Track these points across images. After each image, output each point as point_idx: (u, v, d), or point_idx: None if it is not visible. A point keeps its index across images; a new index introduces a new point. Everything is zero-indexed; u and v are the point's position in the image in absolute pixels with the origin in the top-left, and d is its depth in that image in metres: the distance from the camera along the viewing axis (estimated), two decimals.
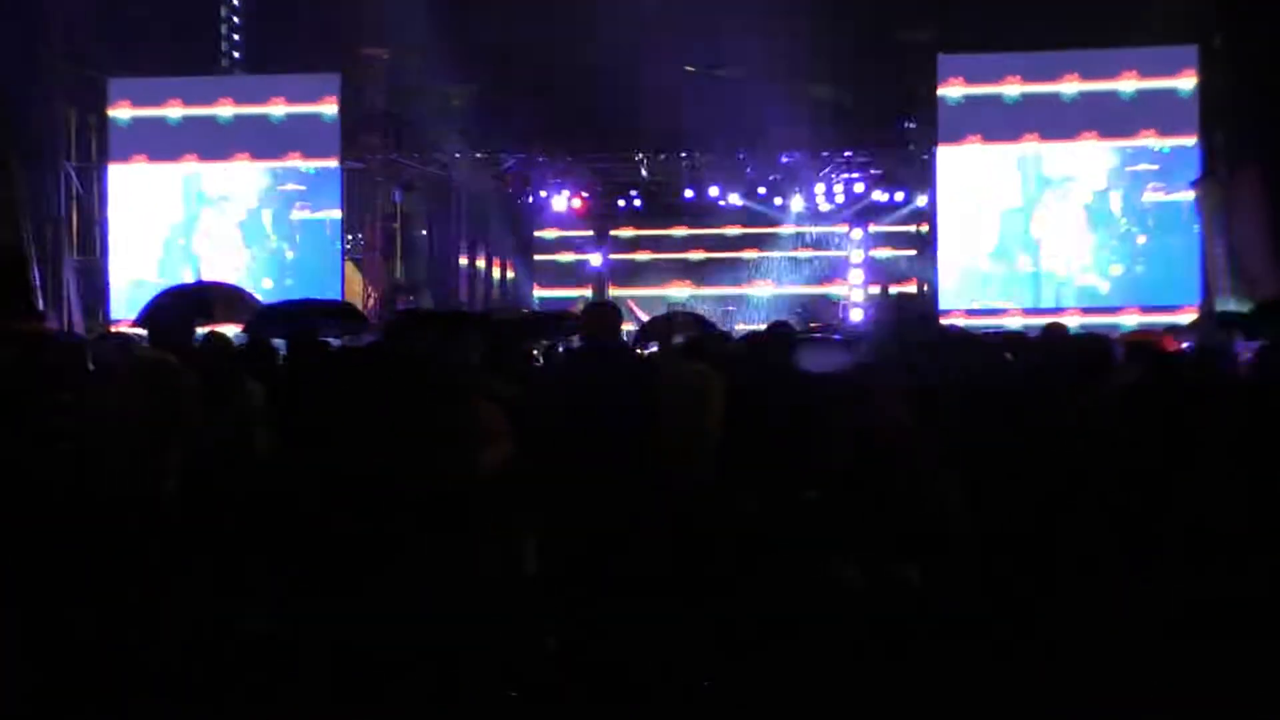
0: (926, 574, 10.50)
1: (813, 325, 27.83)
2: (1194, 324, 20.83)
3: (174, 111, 30.88)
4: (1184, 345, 15.49)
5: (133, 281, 30.08)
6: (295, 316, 15.03)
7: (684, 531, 9.92)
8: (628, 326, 20.48)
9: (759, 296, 38.57)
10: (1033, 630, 9.53)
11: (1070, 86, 28.81)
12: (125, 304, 29.16)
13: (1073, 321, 23.90)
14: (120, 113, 30.93)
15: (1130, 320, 26.76)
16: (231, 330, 14.29)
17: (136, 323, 19.42)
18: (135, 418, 9.36)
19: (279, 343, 13.10)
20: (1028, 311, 27.80)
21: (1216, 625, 9.46)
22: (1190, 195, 27.57)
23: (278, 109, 30.65)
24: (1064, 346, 12.36)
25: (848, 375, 12.35)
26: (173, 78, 30.84)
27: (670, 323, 20.23)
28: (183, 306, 17.76)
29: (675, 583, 9.55)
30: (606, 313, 10.05)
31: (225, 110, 30.82)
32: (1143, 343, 14.25)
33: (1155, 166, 28.47)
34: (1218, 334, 17.83)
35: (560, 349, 16.42)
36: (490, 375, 10.43)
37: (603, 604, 9.06)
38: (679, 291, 38.18)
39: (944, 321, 23.21)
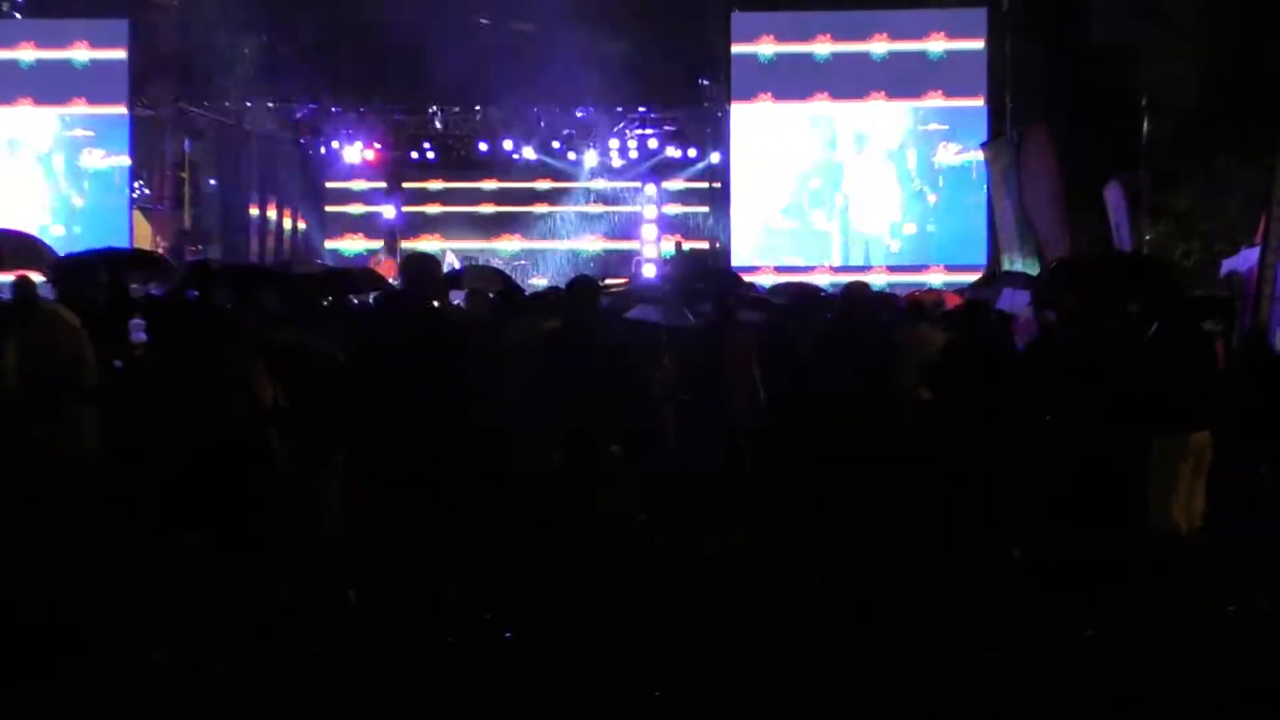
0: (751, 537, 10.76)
1: (608, 282, 27.93)
2: (977, 283, 21.19)
3: None
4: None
5: None
6: (102, 265, 14.70)
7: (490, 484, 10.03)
8: None
9: (553, 252, 38.49)
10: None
11: (859, 46, 29.21)
12: None
13: (873, 280, 24.39)
14: None
15: (926, 279, 27.27)
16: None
17: None
18: (48, 373, 9.10)
19: None
20: (835, 270, 28.25)
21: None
22: (980, 155, 28.05)
23: (26, 54, 30.00)
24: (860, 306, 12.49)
25: (651, 330, 12.52)
26: None
27: (472, 275, 20.22)
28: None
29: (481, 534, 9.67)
30: (427, 266, 10.04)
31: None
32: (921, 301, 14.57)
33: (945, 126, 28.96)
34: (984, 291, 18.24)
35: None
36: (301, 330, 10.42)
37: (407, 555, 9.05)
38: (471, 245, 37.97)
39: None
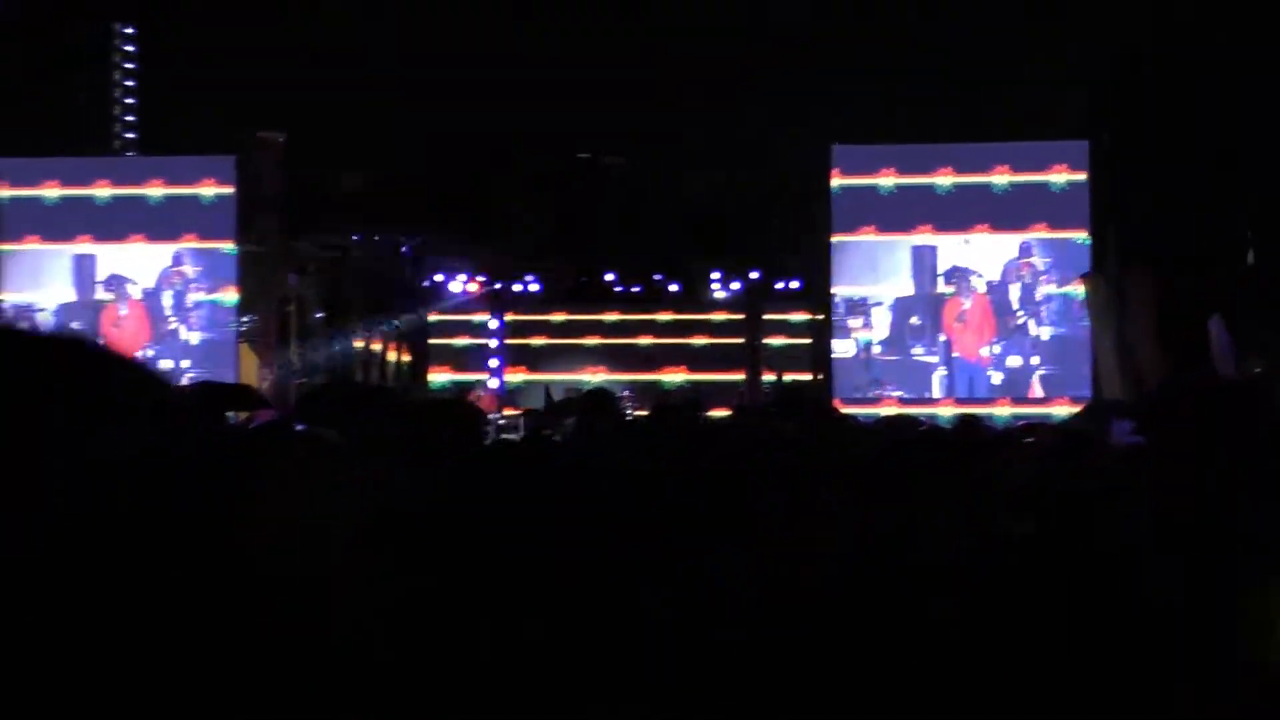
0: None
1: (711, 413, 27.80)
2: (1079, 414, 20.92)
3: (51, 192, 30.54)
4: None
5: None
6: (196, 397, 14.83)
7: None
8: None
9: (659, 382, 38.40)
10: None
11: (962, 179, 29.06)
12: None
13: (996, 412, 24.24)
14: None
15: (1052, 411, 26.84)
16: None
17: None
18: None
19: None
20: (959, 401, 27.86)
21: None
22: (1081, 289, 27.77)
23: (155, 191, 30.37)
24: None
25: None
26: (50, 158, 30.52)
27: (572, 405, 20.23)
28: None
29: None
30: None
31: (103, 191, 30.47)
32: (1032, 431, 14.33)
33: (1048, 259, 28.70)
34: (1090, 423, 17.92)
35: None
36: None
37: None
38: (578, 377, 38.00)
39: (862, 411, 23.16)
